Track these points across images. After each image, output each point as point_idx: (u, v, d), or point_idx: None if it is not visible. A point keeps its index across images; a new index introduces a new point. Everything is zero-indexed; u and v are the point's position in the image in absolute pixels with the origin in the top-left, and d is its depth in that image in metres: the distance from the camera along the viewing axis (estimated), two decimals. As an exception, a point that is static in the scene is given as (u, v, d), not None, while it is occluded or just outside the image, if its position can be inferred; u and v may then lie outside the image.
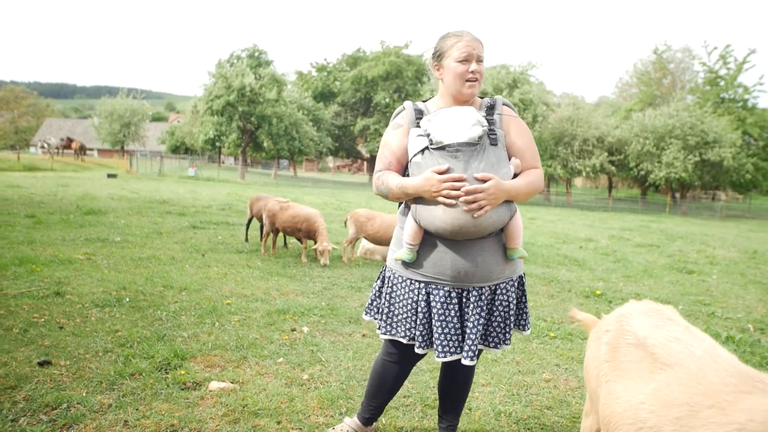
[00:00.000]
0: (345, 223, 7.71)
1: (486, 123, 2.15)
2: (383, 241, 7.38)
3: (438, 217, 2.11)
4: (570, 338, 4.60)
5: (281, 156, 43.72)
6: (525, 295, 2.41)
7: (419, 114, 2.28)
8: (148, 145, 52.08)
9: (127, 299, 4.64)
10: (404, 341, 2.32)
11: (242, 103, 34.88)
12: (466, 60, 2.18)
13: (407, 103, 2.35)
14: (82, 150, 42.04)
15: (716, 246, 13.91)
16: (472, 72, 2.18)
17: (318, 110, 46.46)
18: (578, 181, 54.29)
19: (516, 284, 2.36)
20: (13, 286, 4.81)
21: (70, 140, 42.80)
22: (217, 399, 2.89)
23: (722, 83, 37.67)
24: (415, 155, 2.19)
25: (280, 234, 8.05)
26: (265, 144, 39.55)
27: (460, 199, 2.05)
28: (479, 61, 2.20)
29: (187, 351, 3.48)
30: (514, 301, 2.35)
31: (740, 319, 5.79)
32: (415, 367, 2.66)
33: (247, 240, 8.60)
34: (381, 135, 50.17)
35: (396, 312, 2.33)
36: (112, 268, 5.91)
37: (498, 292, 2.28)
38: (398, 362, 2.46)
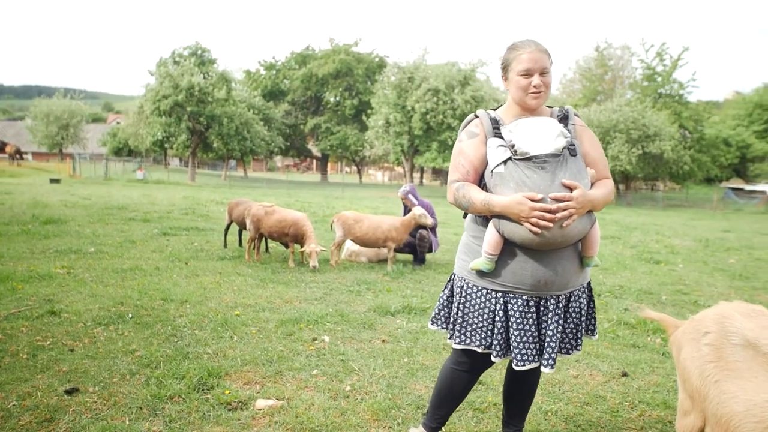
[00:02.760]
0: (331, 226, 7.61)
1: (568, 134, 2.16)
2: (370, 243, 7.34)
3: (524, 228, 2.10)
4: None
5: (231, 156, 42.73)
6: (593, 300, 2.45)
7: (495, 123, 2.27)
8: (88, 147, 49.79)
9: (130, 315, 4.42)
10: (479, 350, 2.31)
11: (191, 103, 33.85)
12: (527, 73, 2.19)
13: (481, 112, 2.34)
14: (18, 154, 39.78)
15: (670, 235, 14.59)
16: (534, 86, 2.19)
17: (268, 109, 45.70)
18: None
19: (586, 290, 2.40)
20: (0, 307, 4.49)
21: (3, 144, 40.45)
22: (270, 418, 2.79)
23: (659, 79, 39.55)
24: (497, 166, 2.17)
25: (263, 239, 7.86)
26: (215, 145, 38.54)
27: (551, 215, 2.05)
28: (543, 73, 2.20)
29: (219, 368, 3.35)
30: (585, 307, 2.38)
31: (721, 307, 6.08)
32: None
33: (225, 246, 8.36)
34: (332, 133, 50.09)
35: (471, 321, 2.31)
36: (97, 281, 5.62)
37: (572, 299, 2.31)
38: (469, 371, 2.45)
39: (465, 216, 2.46)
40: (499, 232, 2.19)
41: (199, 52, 40.99)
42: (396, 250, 7.62)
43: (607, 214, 22.74)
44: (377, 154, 44.78)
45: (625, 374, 3.79)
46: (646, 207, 32.92)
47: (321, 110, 52.96)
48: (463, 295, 2.35)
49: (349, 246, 7.96)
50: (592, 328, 2.45)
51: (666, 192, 45.26)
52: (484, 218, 2.29)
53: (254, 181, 42.72)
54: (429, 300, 5.58)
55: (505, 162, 2.16)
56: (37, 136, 46.02)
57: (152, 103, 34.13)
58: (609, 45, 44.24)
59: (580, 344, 2.38)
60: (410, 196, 7.73)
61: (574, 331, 2.34)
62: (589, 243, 2.24)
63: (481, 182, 2.29)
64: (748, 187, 42.67)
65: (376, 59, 49.99)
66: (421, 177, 56.82)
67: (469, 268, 2.32)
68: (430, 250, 7.74)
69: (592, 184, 2.24)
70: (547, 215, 2.04)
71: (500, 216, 2.16)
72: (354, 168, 67.73)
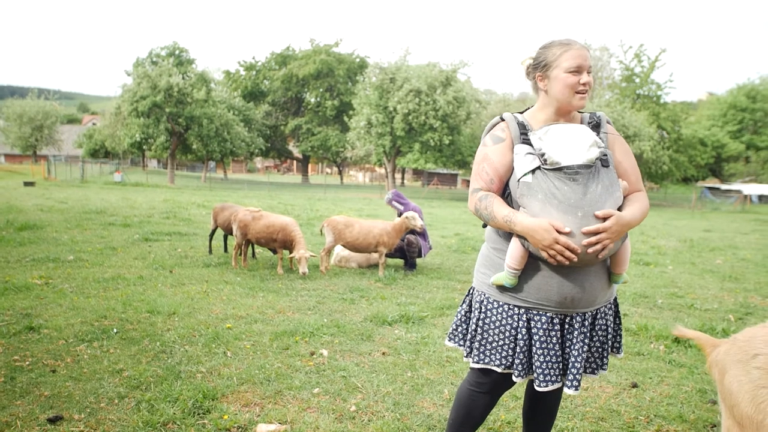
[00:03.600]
0: (321, 231, 7.41)
1: (602, 144, 2.01)
2: (361, 248, 7.16)
3: None
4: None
5: (211, 158, 42.13)
6: (619, 317, 2.31)
7: (523, 128, 2.11)
8: (63, 149, 48.72)
9: (115, 330, 4.18)
10: (499, 370, 2.15)
11: (169, 104, 33.27)
12: (577, 70, 2.03)
13: (508, 115, 2.17)
14: (-10, 156, 38.72)
15: (655, 236, 14.68)
16: (583, 84, 2.04)
17: (248, 110, 45.19)
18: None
19: (613, 306, 2.26)
20: (-27, 322, 4.21)
21: (-26, 146, 39.33)
22: (273, 445, 2.60)
23: (637, 80, 40.04)
24: (524, 175, 2.01)
25: (250, 245, 7.63)
26: (194, 146, 37.93)
27: (584, 241, 1.91)
28: (589, 72, 2.05)
29: (214, 390, 3.14)
30: (612, 325, 2.24)
31: (717, 310, 6.04)
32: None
33: (211, 252, 8.10)
34: (313, 134, 49.72)
35: (491, 339, 2.16)
36: (78, 292, 5.35)
37: (598, 316, 2.17)
38: (489, 392, 2.29)
39: (485, 225, 2.31)
40: (524, 246, 2.03)
41: (177, 52, 40.30)
42: (387, 256, 7.45)
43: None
44: (359, 155, 44.57)
45: (635, 385, 3.67)
46: (626, 207, 33.24)
47: (302, 111, 52.56)
48: (483, 311, 2.19)
49: (339, 251, 7.77)
50: (618, 345, 2.31)
51: (645, 192, 45.84)
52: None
53: (235, 183, 42.20)
54: (425, 308, 5.42)
55: (533, 171, 1.99)
56: (9, 137, 44.95)
57: (130, 104, 33.49)
58: (588, 46, 44.68)
59: (606, 363, 2.23)
60: (394, 203, 7.63)
61: (600, 350, 2.19)
62: (619, 260, 2.10)
63: (505, 191, 2.13)
64: (723, 187, 43.45)
65: (357, 60, 49.79)
66: (403, 178, 56.76)
67: (490, 282, 2.16)
68: (419, 255, 7.59)
69: (624, 197, 2.10)
70: (567, 253, 1.90)
71: None
72: (335, 169, 67.39)
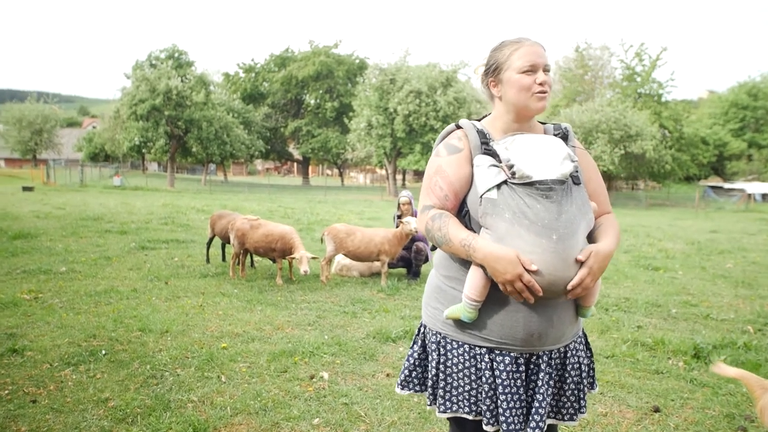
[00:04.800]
0: (321, 240, 7.19)
1: (576, 157, 1.76)
2: (363, 257, 6.93)
3: None
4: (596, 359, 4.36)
5: (211, 161, 41.95)
6: (590, 349, 2.03)
7: (483, 137, 1.83)
8: (63, 153, 48.54)
9: (103, 351, 3.95)
10: (470, 417, 1.85)
11: (168, 107, 33.07)
12: (530, 70, 1.78)
13: (465, 122, 1.89)
14: (-12, 161, 38.58)
15: (661, 238, 14.43)
16: (540, 83, 1.78)
17: (248, 112, 45.01)
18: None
19: (582, 339, 1.99)
20: (-46, 344, 3.99)
21: (-27, 151, 39.19)
22: (269, 489, 2.36)
23: (639, 79, 39.80)
24: (489, 190, 1.72)
25: (248, 255, 7.41)
26: (194, 149, 37.74)
27: (568, 286, 1.67)
28: (546, 70, 1.80)
29: (205, 423, 2.90)
30: (585, 360, 1.96)
31: (734, 320, 5.80)
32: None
33: (208, 261, 7.88)
34: (313, 136, 49.67)
35: (455, 384, 1.85)
36: (68, 308, 5.12)
37: (568, 354, 1.89)
38: None
39: (433, 249, 2.04)
40: (486, 274, 1.73)
41: (176, 54, 40.20)
42: (389, 265, 7.21)
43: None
44: (359, 156, 44.36)
45: (657, 410, 3.44)
46: (629, 207, 33.01)
47: (301, 113, 52.39)
48: (442, 352, 1.87)
49: (340, 260, 7.54)
50: (591, 380, 2.02)
51: (647, 191, 45.59)
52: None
53: (235, 186, 41.99)
54: (431, 321, 5.18)
55: (499, 186, 1.71)
56: (9, 141, 44.80)
57: (129, 107, 33.32)
58: (589, 45, 44.45)
59: (584, 406, 1.92)
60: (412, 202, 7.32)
61: (576, 391, 1.89)
62: (589, 293, 1.80)
63: (462, 209, 1.84)
64: (726, 185, 43.17)
65: (357, 61, 49.61)
66: (404, 179, 56.54)
67: (444, 316, 1.85)
68: (426, 261, 7.36)
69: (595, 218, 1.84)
70: (527, 294, 1.65)
71: None
72: (335, 171, 67.20)
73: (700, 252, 11.71)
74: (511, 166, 1.69)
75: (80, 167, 34.97)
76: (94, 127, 57.61)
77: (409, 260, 7.34)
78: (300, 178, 58.64)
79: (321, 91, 49.34)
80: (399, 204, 7.31)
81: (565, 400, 1.88)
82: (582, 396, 1.90)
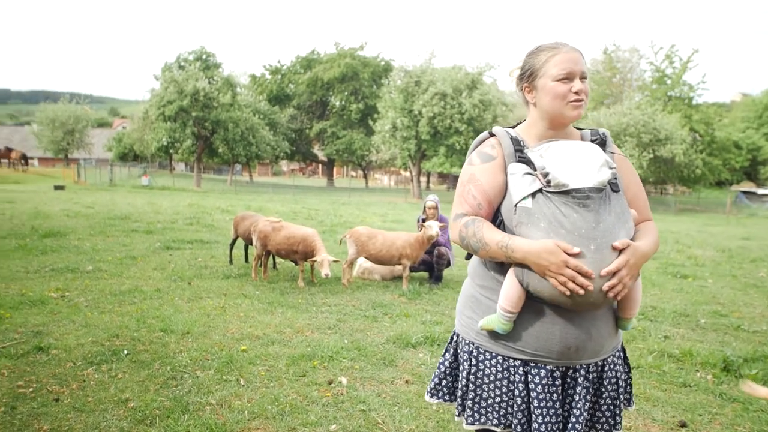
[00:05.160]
0: (340, 242, 7.18)
1: (614, 164, 1.70)
2: (384, 260, 6.90)
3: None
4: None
5: (237, 161, 42.45)
6: (629, 365, 1.97)
7: (517, 144, 1.79)
8: (94, 152, 49.64)
9: (125, 351, 3.99)
10: (498, 430, 1.82)
11: (196, 108, 33.58)
12: (566, 78, 1.73)
13: (498, 129, 1.85)
14: (24, 160, 39.66)
15: (690, 244, 14.09)
16: (576, 92, 1.73)
17: (273, 114, 45.42)
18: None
19: (621, 354, 1.93)
20: (-17, 341, 4.08)
21: (9, 150, 40.32)
22: (284, 497, 2.35)
23: (669, 82, 39.02)
24: (523, 199, 1.68)
25: (270, 256, 7.45)
26: (220, 150, 38.26)
27: (604, 286, 1.59)
28: (583, 77, 1.74)
29: (223, 426, 2.91)
30: (623, 376, 1.91)
31: (767, 332, 5.61)
32: None
33: (231, 262, 7.94)
34: (338, 138, 49.90)
35: (485, 396, 1.82)
36: (93, 307, 5.20)
37: (605, 368, 1.83)
38: None
39: (468, 257, 1.99)
40: (522, 285, 1.69)
41: (204, 56, 40.87)
42: (411, 269, 7.17)
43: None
44: (383, 158, 44.38)
45: (684, 425, 3.33)
46: (658, 212, 32.32)
47: (327, 114, 52.66)
48: (474, 362, 1.85)
49: (362, 263, 7.52)
50: (629, 396, 1.95)
51: (676, 196, 44.62)
52: (500, 263, 1.79)
53: (260, 186, 42.37)
54: (452, 328, 5.13)
55: (534, 194, 1.67)
56: (42, 141, 45.97)
57: (157, 108, 33.91)
58: (617, 47, 43.80)
59: (620, 423, 1.86)
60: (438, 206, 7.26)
61: (612, 407, 1.84)
62: (629, 302, 1.75)
63: (496, 218, 1.80)
64: (760, 191, 42.01)
65: (382, 63, 49.71)
66: (428, 181, 56.39)
67: (479, 327, 1.82)
68: (448, 266, 7.30)
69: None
70: (581, 279, 1.57)
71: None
72: (360, 172, 67.38)
73: (732, 259, 11.39)
74: (546, 174, 1.65)
75: (110, 167, 35.72)
76: (123, 128, 58.80)
77: (431, 264, 7.29)
78: (324, 179, 58.94)
79: (346, 93, 49.54)
80: (425, 207, 7.25)
81: (600, 415, 1.83)
82: (618, 412, 1.85)
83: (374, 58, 50.16)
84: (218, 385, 3.49)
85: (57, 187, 25.16)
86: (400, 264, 6.89)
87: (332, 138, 49.19)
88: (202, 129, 35.45)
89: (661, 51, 39.17)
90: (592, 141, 1.84)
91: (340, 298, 6.21)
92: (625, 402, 1.94)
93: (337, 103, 50.89)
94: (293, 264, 7.59)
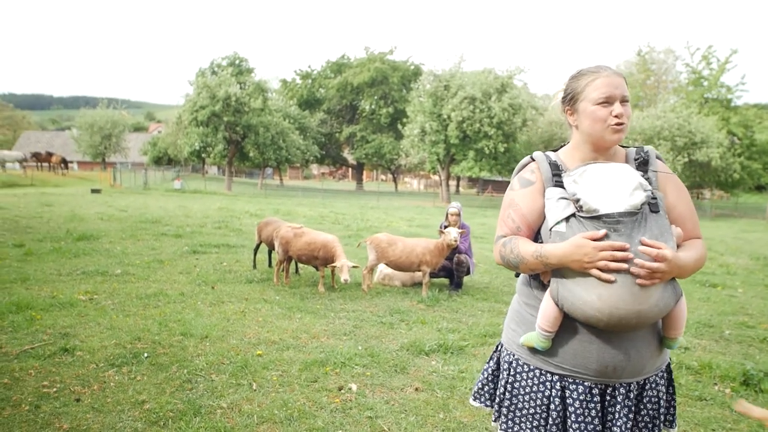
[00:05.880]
0: (358, 245, 7.25)
1: (648, 186, 1.72)
2: (404, 267, 6.95)
3: (590, 304, 1.66)
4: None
5: (268, 165, 43.06)
6: (673, 385, 1.97)
7: (556, 169, 1.85)
8: (130, 156, 51.05)
9: (146, 354, 4.14)
10: None
11: (227, 113, 34.23)
12: (607, 101, 1.76)
13: (538, 155, 1.91)
14: (64, 164, 41.04)
15: (723, 252, 13.72)
16: (616, 116, 1.75)
17: (304, 118, 45.95)
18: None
19: (665, 374, 1.94)
20: (13, 342, 4.28)
21: (50, 154, 41.77)
22: (284, 501, 2.42)
23: (705, 83, 37.98)
24: (557, 223, 1.74)
25: (293, 262, 7.57)
26: (251, 154, 38.88)
27: (632, 269, 1.60)
28: (624, 101, 1.76)
29: (232, 429, 3.01)
30: (665, 396, 1.92)
31: (794, 345, 5.45)
32: None
33: (255, 267, 8.10)
34: (368, 141, 50.13)
35: (520, 406, 1.89)
36: (119, 310, 5.39)
37: (647, 387, 1.84)
38: None
39: (517, 275, 2.05)
40: (557, 306, 1.76)
41: (237, 61, 41.54)
42: (431, 275, 7.20)
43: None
44: (413, 162, 44.40)
45: (695, 439, 3.29)
46: (693, 217, 31.47)
47: (356, 119, 53.00)
48: (512, 373, 1.93)
49: (383, 269, 7.59)
50: (671, 418, 1.96)
51: (713, 201, 43.36)
52: (540, 281, 1.87)
53: (290, 190, 42.88)
54: (467, 335, 5.15)
55: (567, 219, 1.72)
56: (81, 145, 47.49)
57: (190, 113, 34.69)
58: (651, 49, 42.97)
59: None
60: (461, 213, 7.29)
61: (650, 425, 1.85)
62: (673, 321, 1.77)
63: (536, 241, 1.87)
64: (803, 196, 40.49)
65: (412, 67, 49.79)
66: (458, 186, 56.16)
67: (520, 342, 1.91)
68: (468, 273, 7.30)
69: (678, 246, 1.79)
70: (619, 254, 1.59)
71: (561, 280, 1.72)
72: (389, 176, 67.51)
73: (766, 268, 11.06)
74: (577, 200, 1.70)
75: (144, 170, 36.67)
76: (159, 132, 60.28)
77: (452, 270, 7.30)
78: (354, 183, 59.27)
79: (376, 97, 49.79)
80: (447, 214, 7.28)
81: None
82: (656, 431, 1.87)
83: (404, 63, 50.29)
84: (231, 389, 3.60)
85: (94, 191, 25.96)
86: (419, 270, 6.93)
87: (362, 142, 49.48)
88: (234, 133, 36.10)
89: (698, 52, 38.23)
90: (636, 159, 1.86)
91: (358, 303, 6.28)
92: (667, 423, 1.95)
93: (367, 107, 51.17)
94: (315, 269, 7.70)
